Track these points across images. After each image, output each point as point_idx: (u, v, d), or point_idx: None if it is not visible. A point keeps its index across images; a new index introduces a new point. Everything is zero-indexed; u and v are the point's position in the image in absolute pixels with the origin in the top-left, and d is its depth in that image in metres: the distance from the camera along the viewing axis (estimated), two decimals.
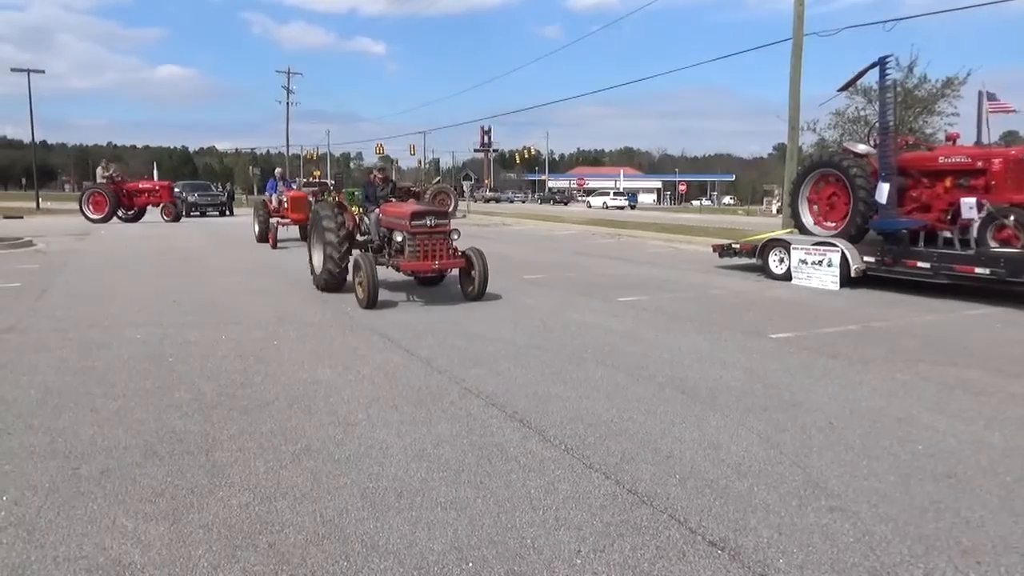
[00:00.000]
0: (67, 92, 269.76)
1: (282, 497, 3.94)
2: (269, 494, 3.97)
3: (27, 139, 46.37)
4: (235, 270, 14.60)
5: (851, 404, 5.70)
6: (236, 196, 53.97)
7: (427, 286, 11.81)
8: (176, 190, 39.65)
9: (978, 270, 10.84)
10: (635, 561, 3.29)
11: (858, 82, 17.43)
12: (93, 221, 29.46)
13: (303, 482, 4.14)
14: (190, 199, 36.46)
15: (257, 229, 20.82)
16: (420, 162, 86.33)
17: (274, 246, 18.75)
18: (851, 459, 4.53)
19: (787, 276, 13.45)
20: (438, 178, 46.72)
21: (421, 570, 3.21)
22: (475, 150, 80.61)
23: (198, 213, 35.86)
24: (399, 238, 10.27)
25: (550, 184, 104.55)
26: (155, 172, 32.76)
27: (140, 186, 32.73)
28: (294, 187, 22.75)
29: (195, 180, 47.58)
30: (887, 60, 12.70)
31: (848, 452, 4.65)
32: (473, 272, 10.48)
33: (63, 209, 43.06)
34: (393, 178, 12.05)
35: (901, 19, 18.41)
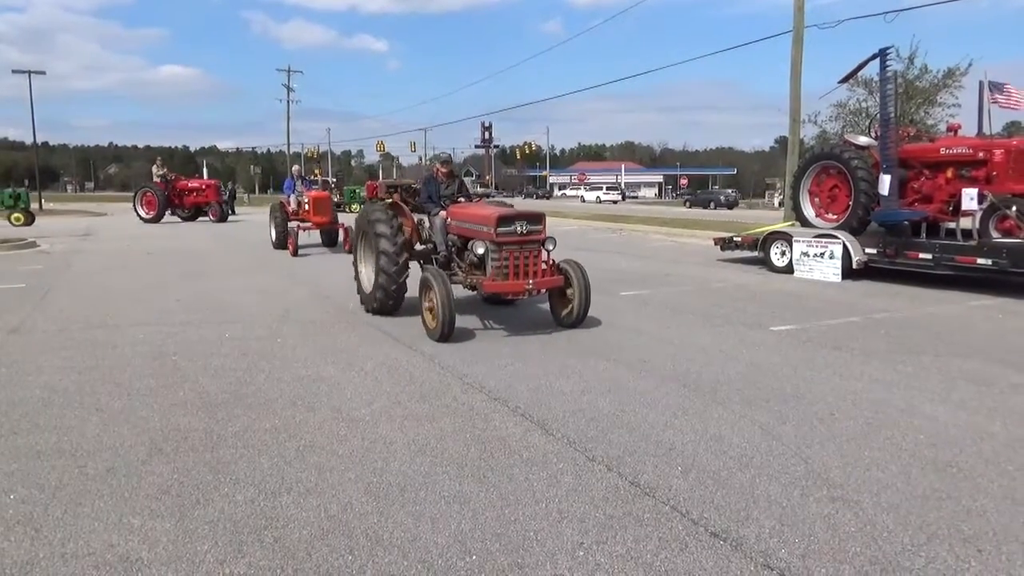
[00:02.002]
0: (69, 93, 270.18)
1: (287, 493, 3.97)
2: (274, 490, 4.00)
3: (29, 140, 46.42)
4: (250, 279, 14.61)
5: (853, 395, 5.71)
6: (238, 195, 53.93)
7: (496, 305, 9.65)
8: None
9: (980, 261, 10.83)
10: (637, 553, 3.32)
11: (859, 74, 17.39)
12: (145, 221, 29.30)
13: (307, 478, 4.17)
14: None
15: (274, 234, 18.34)
16: (421, 159, 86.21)
17: (295, 253, 16.76)
18: (853, 450, 4.55)
19: (789, 269, 13.46)
20: None
21: (425, 563, 3.23)
22: (476, 146, 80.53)
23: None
24: (480, 250, 7.85)
25: (551, 179, 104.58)
26: (204, 170, 31.36)
27: (189, 185, 31.65)
28: (315, 186, 20.12)
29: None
30: (887, 51, 12.68)
31: (850, 443, 4.67)
32: (570, 291, 8.21)
33: (66, 210, 43.22)
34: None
35: (902, 10, 18.35)
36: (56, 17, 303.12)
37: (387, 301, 8.80)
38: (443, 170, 9.48)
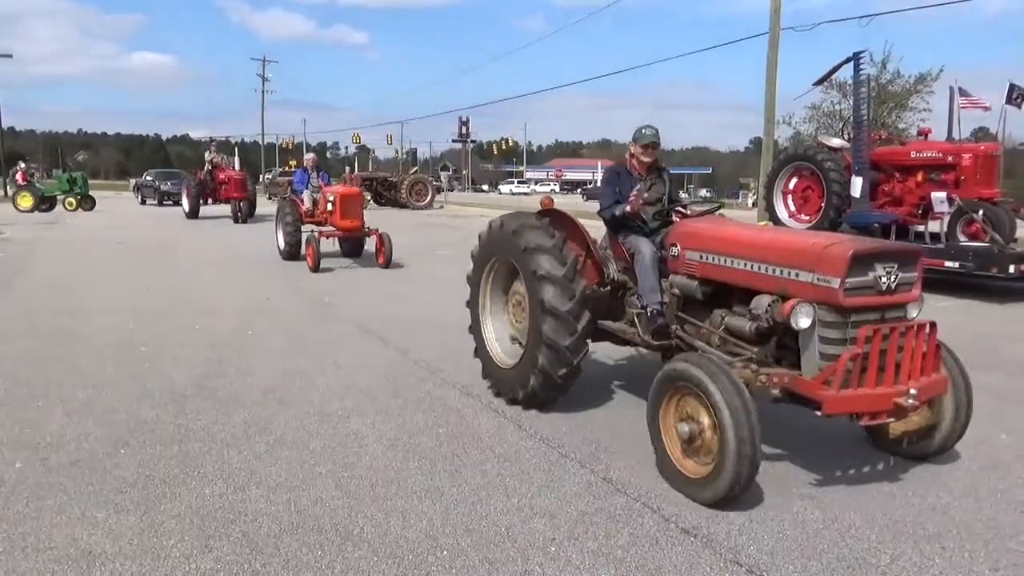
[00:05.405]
0: (38, 78, 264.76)
1: (256, 487, 3.92)
2: (243, 484, 3.95)
3: None
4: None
5: None
6: None
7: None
8: (149, 179, 39.01)
9: (947, 264, 11.03)
10: (609, 548, 3.32)
11: (833, 77, 17.61)
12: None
13: (277, 472, 4.12)
14: (163, 188, 36.24)
15: (282, 242, 14.22)
16: (397, 152, 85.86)
17: (316, 267, 12.55)
18: (822, 448, 4.60)
19: None
20: (415, 168, 46.42)
21: (395, 558, 3.21)
22: (453, 141, 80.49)
23: (171, 202, 35.42)
24: (803, 320, 3.88)
25: (528, 175, 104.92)
26: (236, 160, 26.60)
27: (220, 177, 26.33)
28: (338, 181, 16.41)
29: (168, 168, 46.76)
30: (861, 55, 12.84)
31: (819, 442, 4.72)
32: (930, 413, 4.24)
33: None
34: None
35: (877, 15, 18.63)
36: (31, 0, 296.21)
37: (556, 372, 4.89)
38: (644, 157, 5.36)
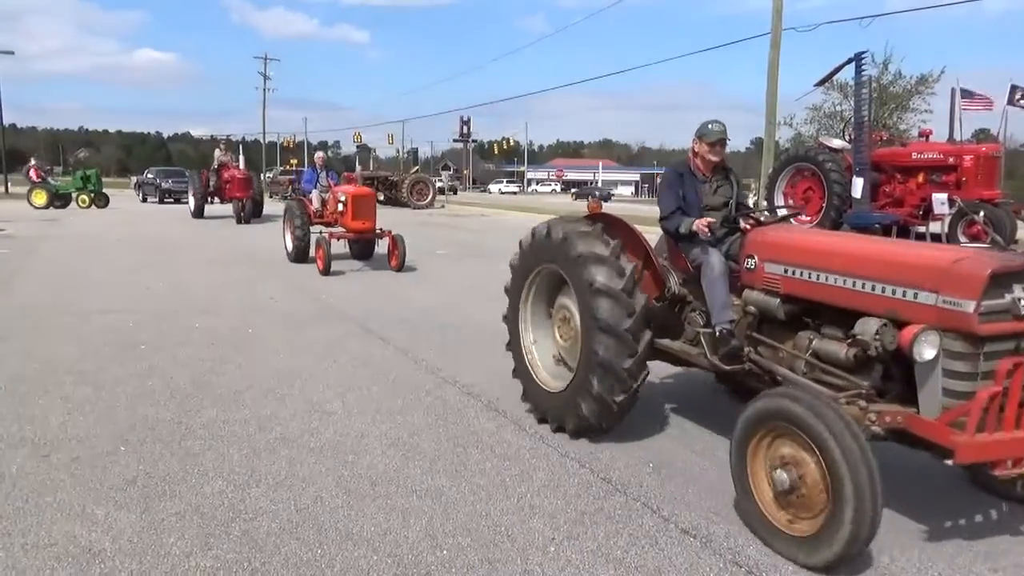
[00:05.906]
0: (39, 75, 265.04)
1: (256, 485, 3.92)
2: (243, 482, 3.95)
3: None
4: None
5: None
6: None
7: None
8: (150, 176, 39.03)
9: None
10: (608, 548, 3.33)
11: (834, 78, 17.62)
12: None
13: (278, 470, 4.12)
14: (164, 185, 36.39)
15: (290, 243, 13.51)
16: (399, 152, 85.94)
17: (326, 270, 11.91)
18: None
19: None
20: (416, 168, 46.36)
21: (395, 558, 3.21)
22: (454, 140, 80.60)
23: (172, 200, 35.49)
24: (927, 352, 3.22)
25: (529, 175, 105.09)
26: (240, 158, 24.89)
27: (224, 176, 24.64)
28: (346, 180, 15.84)
29: (169, 167, 46.72)
30: (863, 56, 12.86)
31: None
32: None
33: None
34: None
35: (878, 16, 18.64)
36: None
37: (612, 397, 4.39)
38: (712, 156, 4.81)
